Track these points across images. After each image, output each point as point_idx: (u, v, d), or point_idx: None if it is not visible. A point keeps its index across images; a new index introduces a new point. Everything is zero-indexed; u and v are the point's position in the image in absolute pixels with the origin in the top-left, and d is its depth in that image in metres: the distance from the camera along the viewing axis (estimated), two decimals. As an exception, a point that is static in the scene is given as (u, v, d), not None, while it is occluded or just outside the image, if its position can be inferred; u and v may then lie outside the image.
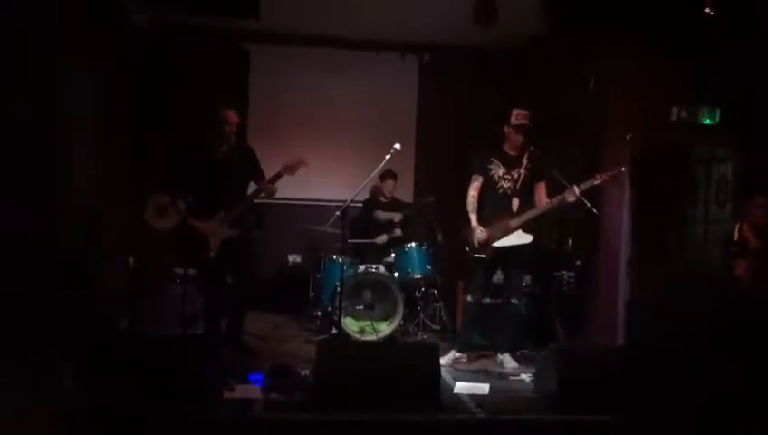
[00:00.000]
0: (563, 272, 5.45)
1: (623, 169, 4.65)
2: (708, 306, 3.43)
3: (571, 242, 5.72)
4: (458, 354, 5.05)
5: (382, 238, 6.21)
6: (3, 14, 3.75)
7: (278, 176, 4.76)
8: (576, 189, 4.57)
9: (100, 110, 5.30)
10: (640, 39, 4.89)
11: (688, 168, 5.38)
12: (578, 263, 5.36)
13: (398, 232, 6.26)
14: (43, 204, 4.17)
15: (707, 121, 5.13)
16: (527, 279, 5.64)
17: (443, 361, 4.76)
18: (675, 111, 5.09)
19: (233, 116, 4.81)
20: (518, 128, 4.79)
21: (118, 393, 3.37)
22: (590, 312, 5.30)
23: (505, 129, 4.85)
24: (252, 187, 4.95)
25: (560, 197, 4.64)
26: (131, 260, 5.88)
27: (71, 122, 4.62)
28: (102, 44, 5.26)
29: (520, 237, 4.82)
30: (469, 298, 5.07)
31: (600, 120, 5.28)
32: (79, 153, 4.83)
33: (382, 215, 6.34)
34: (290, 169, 4.74)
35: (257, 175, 4.90)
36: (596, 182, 4.59)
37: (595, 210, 4.64)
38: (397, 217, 6.30)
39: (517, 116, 4.80)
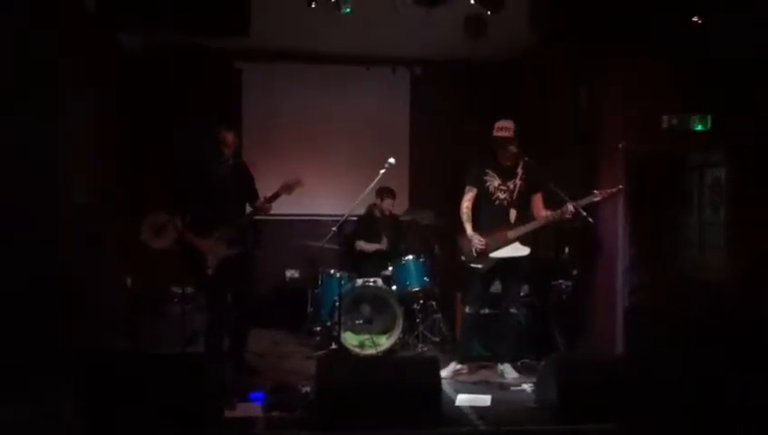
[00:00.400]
0: (561, 281, 5.47)
1: (621, 187, 4.69)
2: (705, 313, 3.45)
3: (567, 250, 5.75)
4: (459, 366, 5.06)
5: (383, 243, 6.21)
6: (4, 40, 3.78)
7: (276, 196, 4.79)
8: (571, 206, 4.59)
9: (96, 133, 5.32)
10: (630, 49, 4.93)
11: (682, 174, 5.41)
12: (575, 272, 5.37)
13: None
14: (39, 225, 4.17)
15: (699, 128, 5.17)
16: (525, 288, 5.65)
17: (444, 373, 4.79)
18: (666, 119, 5.13)
19: (230, 137, 4.83)
20: (499, 140, 4.80)
21: (119, 419, 3.37)
22: (589, 320, 5.32)
23: (490, 141, 4.87)
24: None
25: (558, 211, 4.66)
26: (129, 280, 5.88)
27: (67, 145, 4.64)
28: (98, 69, 5.29)
29: (517, 250, 4.84)
30: (467, 309, 5.09)
31: (593, 130, 5.32)
32: (75, 175, 4.84)
33: (364, 246, 6.28)
34: (287, 189, 4.77)
35: (252, 195, 4.92)
36: (595, 199, 4.62)
37: (591, 219, 4.67)
38: (383, 244, 6.24)
39: (498, 129, 4.82)
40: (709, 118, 5.16)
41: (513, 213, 4.87)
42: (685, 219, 5.41)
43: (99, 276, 5.21)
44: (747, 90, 4.89)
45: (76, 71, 4.82)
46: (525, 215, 4.87)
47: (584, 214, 4.64)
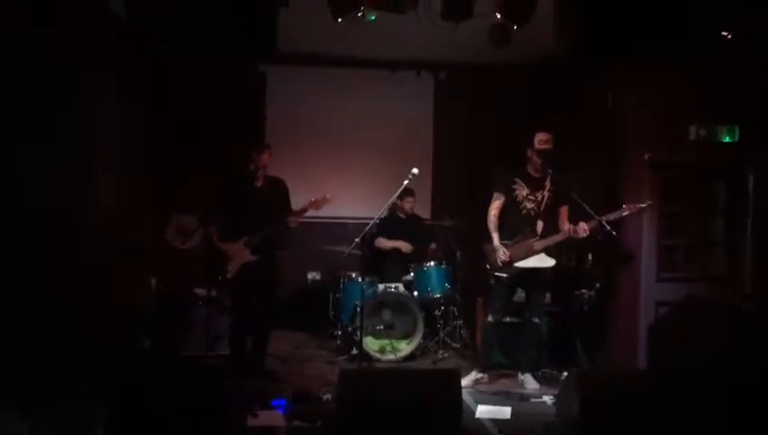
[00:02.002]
0: (584, 291, 5.44)
1: (650, 202, 4.69)
2: (729, 332, 3.42)
3: (591, 259, 5.71)
4: (480, 375, 5.07)
5: (407, 246, 6.22)
6: (34, 43, 3.84)
7: (303, 211, 4.91)
8: (585, 225, 4.64)
9: (123, 134, 5.39)
10: (658, 59, 4.87)
11: (708, 186, 5.34)
12: (597, 285, 5.34)
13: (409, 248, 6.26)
14: (68, 226, 4.24)
15: (727, 139, 5.11)
16: (547, 297, 5.65)
17: (464, 381, 4.83)
18: (693, 129, 5.07)
19: (266, 158, 4.95)
20: (541, 152, 4.82)
21: (142, 424, 3.43)
22: (611, 333, 5.28)
23: (529, 152, 4.88)
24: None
25: (573, 228, 4.69)
26: (154, 281, 5.95)
27: (96, 146, 4.71)
28: (126, 71, 5.35)
29: (542, 261, 4.87)
30: (490, 318, 5.10)
31: (619, 140, 5.26)
32: (103, 176, 4.92)
33: (385, 243, 6.30)
34: (315, 205, 4.90)
35: (286, 209, 5.01)
36: (623, 214, 4.63)
37: (614, 232, 4.65)
38: (404, 246, 6.25)
39: (540, 141, 4.83)
40: (737, 129, 5.10)
41: (539, 224, 4.90)
42: (712, 231, 5.36)
43: (125, 278, 5.29)
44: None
45: (105, 74, 4.88)
46: (552, 227, 4.88)
47: (608, 228, 4.62)
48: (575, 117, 5.92)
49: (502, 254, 4.85)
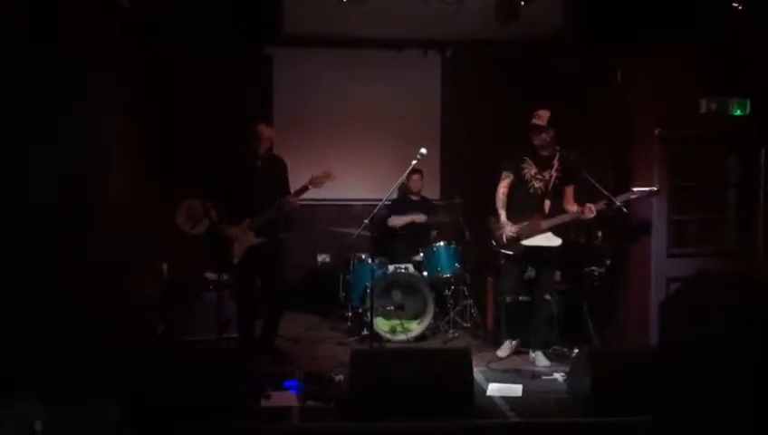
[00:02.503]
0: (594, 268, 5.42)
1: (658, 188, 4.74)
2: (742, 306, 3.39)
3: (600, 237, 5.69)
4: (513, 342, 5.19)
5: (420, 217, 6.23)
6: (37, 35, 3.84)
7: (303, 189, 4.85)
8: (593, 207, 4.68)
9: (131, 120, 5.39)
10: (667, 32, 4.81)
11: (720, 160, 5.29)
12: (608, 261, 5.32)
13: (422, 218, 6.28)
14: (80, 214, 4.25)
15: (738, 112, 5.04)
16: (557, 275, 5.65)
17: (500, 352, 5.13)
18: (704, 103, 5.02)
19: (265, 130, 4.94)
20: (533, 127, 4.83)
21: (155, 408, 3.47)
22: (622, 309, 5.27)
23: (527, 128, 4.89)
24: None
25: (580, 209, 4.73)
26: (165, 266, 5.99)
27: (105, 133, 4.71)
28: (132, 57, 5.34)
29: (549, 240, 4.89)
30: (507, 299, 5.15)
31: (628, 115, 5.21)
32: (113, 163, 4.93)
33: (396, 220, 6.31)
34: (315, 182, 4.83)
35: (284, 187, 4.98)
36: (632, 197, 4.68)
37: (625, 209, 4.64)
38: (419, 217, 6.27)
39: (534, 116, 4.84)
40: (748, 102, 5.04)
41: (547, 203, 4.91)
42: (724, 205, 5.31)
43: (136, 263, 5.31)
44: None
45: (111, 61, 4.87)
46: (559, 206, 4.89)
47: (618, 203, 4.62)
48: (584, 93, 5.86)
49: (508, 230, 4.87)
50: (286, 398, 4.06)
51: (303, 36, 6.62)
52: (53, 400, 2.83)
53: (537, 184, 4.91)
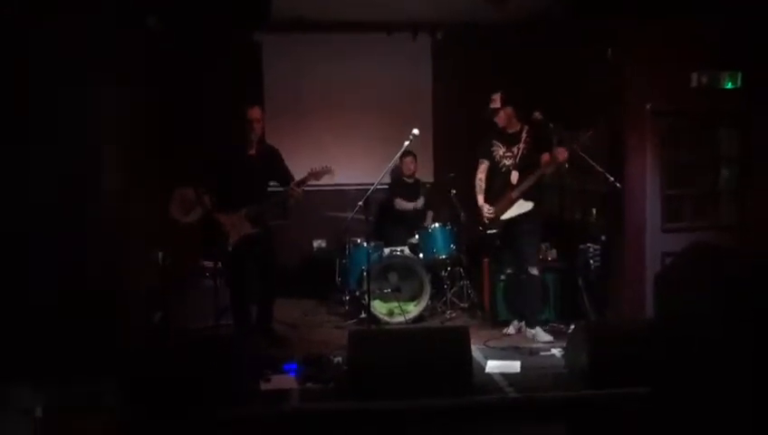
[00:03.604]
0: (589, 244, 5.44)
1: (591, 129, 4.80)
2: (737, 279, 3.41)
3: (594, 213, 5.71)
4: (520, 323, 5.28)
5: (418, 203, 6.32)
6: (31, 24, 3.82)
7: (303, 181, 4.88)
8: (577, 144, 4.79)
9: (123, 111, 5.36)
10: (658, 6, 4.80)
11: (713, 134, 5.30)
12: (603, 237, 5.34)
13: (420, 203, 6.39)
14: (73, 205, 4.24)
15: (729, 86, 5.05)
16: (552, 253, 5.68)
17: (511, 329, 5.27)
18: (695, 76, 5.02)
19: (256, 112, 4.94)
20: (491, 112, 5.05)
21: (155, 396, 3.47)
22: (618, 284, 5.29)
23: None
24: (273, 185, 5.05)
25: (560, 151, 4.83)
26: (160, 255, 5.97)
27: (96, 123, 4.68)
28: (125, 48, 5.30)
29: (521, 206, 5.02)
30: (502, 277, 5.39)
31: (620, 91, 5.21)
32: (106, 153, 4.90)
33: (403, 204, 6.44)
34: (316, 175, 4.87)
35: (283, 175, 4.99)
36: (581, 140, 4.78)
37: (618, 184, 4.65)
38: (419, 203, 6.39)
39: (490, 102, 5.08)
40: (740, 75, 5.04)
41: (514, 175, 5.02)
42: (718, 180, 5.33)
43: (131, 253, 5.30)
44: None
45: (103, 53, 4.84)
46: (528, 174, 4.97)
47: (611, 178, 4.65)
48: (575, 71, 5.86)
49: (486, 211, 5.08)
50: (286, 381, 4.07)
51: (292, 22, 6.59)
52: (52, 386, 2.83)
53: (508, 162, 5.09)
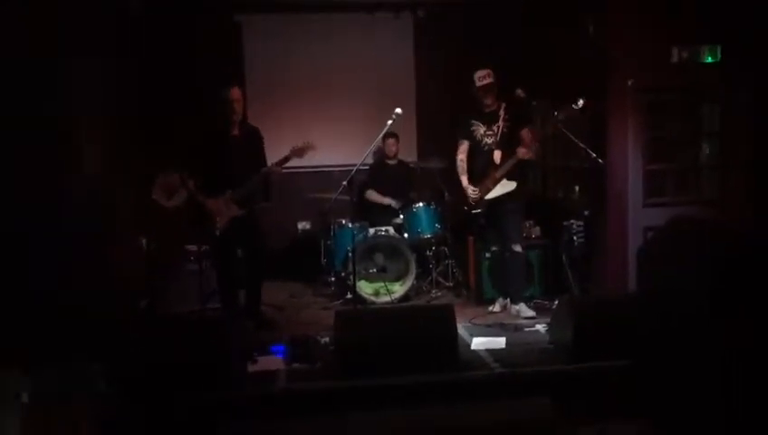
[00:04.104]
0: (572, 221, 5.48)
1: (581, 102, 4.74)
2: (719, 252, 3.45)
3: (577, 190, 5.75)
4: (504, 301, 5.29)
5: (397, 203, 6.25)
6: (7, 10, 3.74)
7: (285, 159, 4.86)
8: (555, 120, 4.83)
9: (103, 100, 5.30)
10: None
11: (695, 109, 5.33)
12: (586, 213, 5.38)
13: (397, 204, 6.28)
14: (54, 194, 4.20)
15: (709, 60, 5.08)
16: (536, 230, 5.72)
17: (497, 307, 5.30)
18: (675, 51, 5.04)
19: (236, 93, 4.90)
20: (484, 88, 4.99)
21: (145, 380, 3.47)
22: (601, 259, 5.34)
23: (474, 92, 5.06)
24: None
25: (529, 136, 4.88)
26: (144, 241, 5.94)
27: (77, 109, 4.63)
28: (102, 30, 5.23)
29: (505, 186, 5.04)
30: (487, 254, 5.42)
31: (601, 67, 5.21)
32: (86, 139, 4.85)
33: (375, 196, 6.39)
34: (298, 152, 4.85)
35: (261, 159, 4.97)
36: (561, 118, 4.80)
37: (600, 159, 4.68)
38: (395, 203, 6.27)
39: (479, 78, 5.00)
40: (719, 49, 5.06)
41: (497, 154, 5.03)
42: (700, 154, 5.37)
43: (115, 239, 5.27)
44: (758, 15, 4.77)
45: (82, 35, 4.77)
46: (510, 153, 4.99)
47: (593, 155, 4.68)
48: (557, 48, 5.85)
49: (471, 193, 5.10)
50: (273, 362, 4.09)
51: (272, 1, 6.53)
52: (39, 371, 2.82)
53: (489, 140, 5.09)
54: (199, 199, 4.90)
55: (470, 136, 5.15)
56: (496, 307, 5.30)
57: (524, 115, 5.02)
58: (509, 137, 5.01)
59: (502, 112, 5.04)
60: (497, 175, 5.01)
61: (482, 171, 5.12)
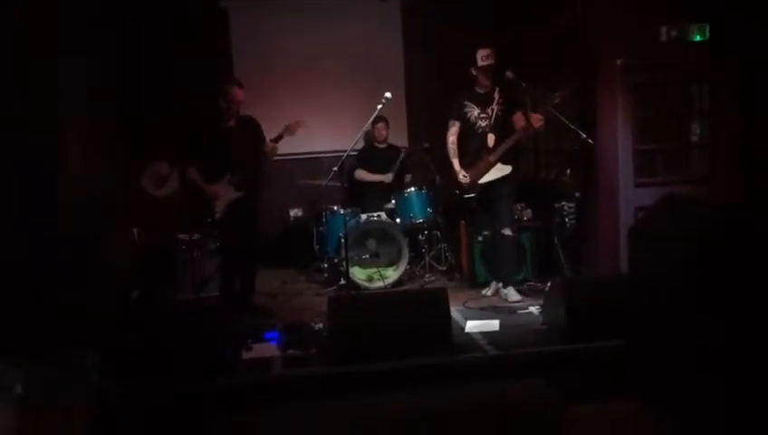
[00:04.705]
0: (563, 203, 5.49)
1: (574, 82, 4.78)
2: (705, 229, 3.47)
3: (568, 172, 5.75)
4: (498, 284, 5.24)
5: (388, 177, 6.22)
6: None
7: (279, 137, 4.85)
8: (550, 104, 4.75)
9: (89, 89, 5.24)
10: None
11: (685, 88, 5.33)
12: (577, 194, 5.39)
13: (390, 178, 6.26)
14: (41, 186, 4.16)
15: (698, 38, 5.07)
16: (528, 213, 5.72)
17: (489, 291, 5.24)
18: (664, 30, 5.03)
19: (241, 94, 4.87)
20: (486, 68, 4.90)
21: (140, 368, 3.47)
22: (593, 240, 5.36)
23: (473, 71, 4.96)
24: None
25: (537, 118, 4.75)
26: (135, 231, 5.91)
27: (65, 105, 4.58)
28: (88, 20, 5.16)
29: (500, 170, 5.00)
30: (479, 238, 5.34)
31: (590, 47, 5.20)
32: (74, 131, 4.81)
33: (364, 175, 6.34)
34: (290, 130, 4.84)
35: (261, 144, 4.96)
36: (556, 100, 4.73)
37: (590, 140, 4.68)
38: (388, 177, 6.23)
39: (482, 57, 4.90)
40: (707, 27, 5.05)
41: (491, 138, 4.99)
42: (691, 133, 5.37)
43: (105, 230, 5.24)
44: None
45: (66, 25, 4.71)
46: (504, 136, 4.95)
47: (584, 136, 4.68)
48: (545, 28, 5.83)
49: (462, 177, 5.03)
50: (267, 349, 4.09)
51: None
52: (33, 362, 2.81)
53: (483, 123, 5.01)
54: (198, 185, 4.88)
55: (463, 117, 5.07)
56: (489, 290, 5.30)
57: (518, 99, 4.94)
58: (503, 120, 4.97)
59: (496, 95, 4.98)
60: (491, 159, 4.96)
61: (474, 155, 5.06)
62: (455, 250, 6.11)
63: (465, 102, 5.05)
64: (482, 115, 5.01)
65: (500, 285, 5.25)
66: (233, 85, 4.87)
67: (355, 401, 3.36)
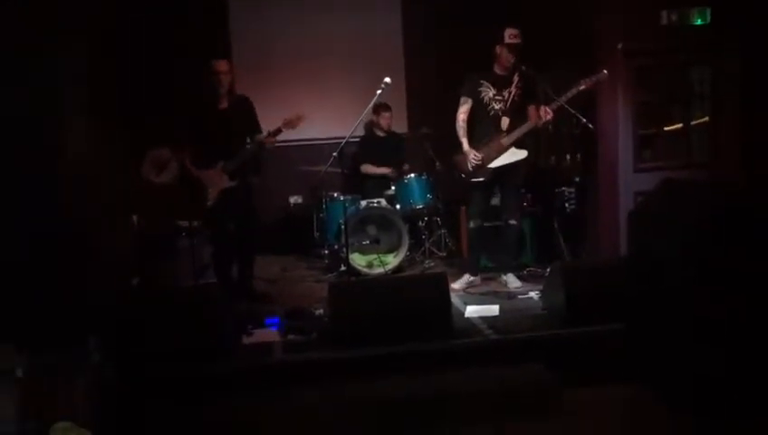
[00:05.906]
0: (563, 188, 5.49)
1: (605, 71, 4.60)
2: (705, 212, 3.47)
3: (569, 157, 5.74)
4: (471, 278, 5.15)
5: (394, 172, 6.20)
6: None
7: (278, 131, 4.80)
8: (562, 99, 4.57)
9: (89, 76, 5.22)
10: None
11: (686, 72, 5.31)
12: (577, 179, 5.38)
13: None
14: (41, 175, 4.16)
15: (699, 22, 5.04)
16: (528, 198, 5.71)
17: (456, 285, 4.98)
18: (665, 14, 5.00)
19: (223, 65, 4.83)
20: (512, 47, 4.73)
21: (142, 357, 3.48)
22: (592, 225, 5.36)
23: (498, 49, 4.79)
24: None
25: (546, 110, 4.62)
26: (135, 218, 5.91)
27: (60, 91, 4.56)
28: (85, 6, 5.13)
29: (515, 154, 4.84)
30: (471, 224, 5.13)
31: (591, 31, 5.18)
32: (73, 118, 4.79)
33: (371, 169, 6.32)
34: (290, 124, 4.78)
35: (254, 127, 4.92)
36: (581, 88, 4.59)
37: (591, 125, 4.66)
38: (391, 172, 6.20)
39: (510, 35, 4.73)
40: (708, 11, 5.02)
41: (505, 121, 4.84)
42: (691, 118, 5.36)
43: (105, 218, 5.24)
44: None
45: (66, 16, 4.68)
46: (519, 121, 4.84)
47: (584, 120, 4.65)
48: (545, 12, 5.79)
49: (473, 157, 4.82)
50: (268, 334, 4.10)
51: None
52: (33, 346, 2.82)
53: (497, 105, 4.84)
54: (191, 172, 4.87)
55: (476, 96, 4.85)
56: (461, 284, 5.09)
57: (534, 90, 4.80)
58: (518, 105, 4.82)
59: (516, 78, 4.80)
60: (504, 142, 4.79)
61: (484, 136, 4.86)
62: (455, 236, 6.11)
63: (482, 81, 4.84)
64: (497, 97, 4.82)
65: (472, 278, 5.13)
66: (213, 59, 4.83)
67: (356, 386, 3.39)
